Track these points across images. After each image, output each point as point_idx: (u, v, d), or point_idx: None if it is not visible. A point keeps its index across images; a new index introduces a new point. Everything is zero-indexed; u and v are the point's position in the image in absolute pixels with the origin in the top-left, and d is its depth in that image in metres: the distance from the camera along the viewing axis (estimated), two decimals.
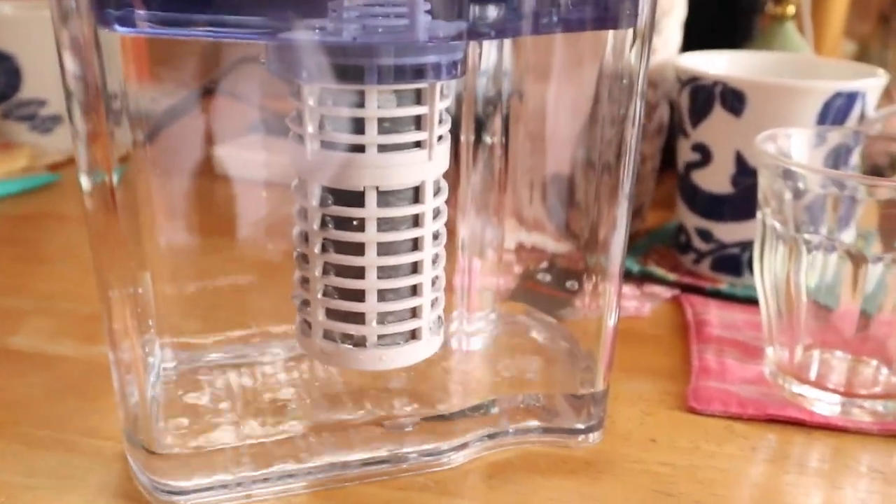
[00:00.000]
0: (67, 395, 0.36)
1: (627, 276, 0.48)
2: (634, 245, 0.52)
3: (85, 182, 0.28)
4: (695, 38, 0.55)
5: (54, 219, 0.59)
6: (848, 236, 0.35)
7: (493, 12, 0.27)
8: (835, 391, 0.36)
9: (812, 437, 0.35)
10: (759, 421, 0.36)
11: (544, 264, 0.40)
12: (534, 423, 0.34)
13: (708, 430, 0.35)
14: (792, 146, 0.39)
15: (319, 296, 0.31)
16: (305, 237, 0.31)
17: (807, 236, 0.35)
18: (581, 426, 0.34)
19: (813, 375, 0.37)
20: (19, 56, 0.69)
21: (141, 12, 0.25)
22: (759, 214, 0.38)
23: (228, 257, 0.40)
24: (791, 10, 0.59)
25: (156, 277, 0.33)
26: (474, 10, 0.27)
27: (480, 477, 0.32)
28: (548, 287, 0.40)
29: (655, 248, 0.53)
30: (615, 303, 0.33)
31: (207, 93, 0.50)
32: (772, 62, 0.52)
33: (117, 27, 0.25)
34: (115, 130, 0.26)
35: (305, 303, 0.32)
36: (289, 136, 0.30)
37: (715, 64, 0.51)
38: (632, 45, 0.30)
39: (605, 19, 0.29)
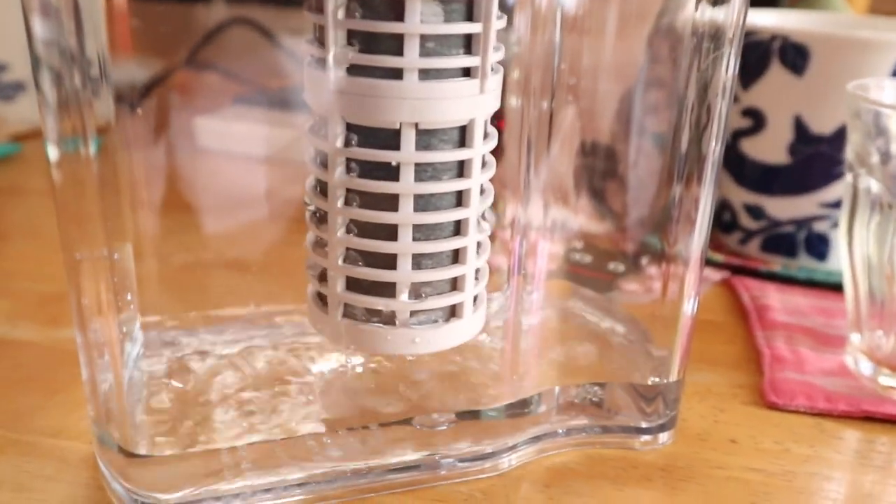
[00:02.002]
0: (26, 386, 0.30)
1: (662, 256, 0.43)
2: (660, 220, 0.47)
3: (53, 152, 0.24)
4: None
5: (14, 193, 0.52)
6: None
7: None
8: None
9: None
10: (851, 418, 0.30)
11: (580, 244, 0.35)
12: (590, 420, 0.28)
13: (794, 429, 0.29)
14: (885, 98, 0.33)
15: (340, 262, 0.25)
16: (321, 188, 0.25)
17: None
18: (648, 425, 0.28)
19: None
20: None
21: None
22: (847, 177, 0.32)
23: (220, 233, 0.35)
24: None
25: (137, 253, 0.27)
26: None
27: (536, 486, 0.26)
28: (588, 269, 0.35)
29: None
30: (695, 288, 0.28)
31: (190, 63, 0.45)
32: (826, 20, 0.47)
33: None
34: (93, 99, 0.23)
35: (321, 272, 0.26)
36: (305, 63, 0.24)
37: (763, 19, 0.46)
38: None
39: None
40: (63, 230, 0.24)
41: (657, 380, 0.28)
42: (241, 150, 0.46)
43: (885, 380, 0.32)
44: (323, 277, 0.26)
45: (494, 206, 0.27)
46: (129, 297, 0.27)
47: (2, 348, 0.33)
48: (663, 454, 0.28)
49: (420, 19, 0.22)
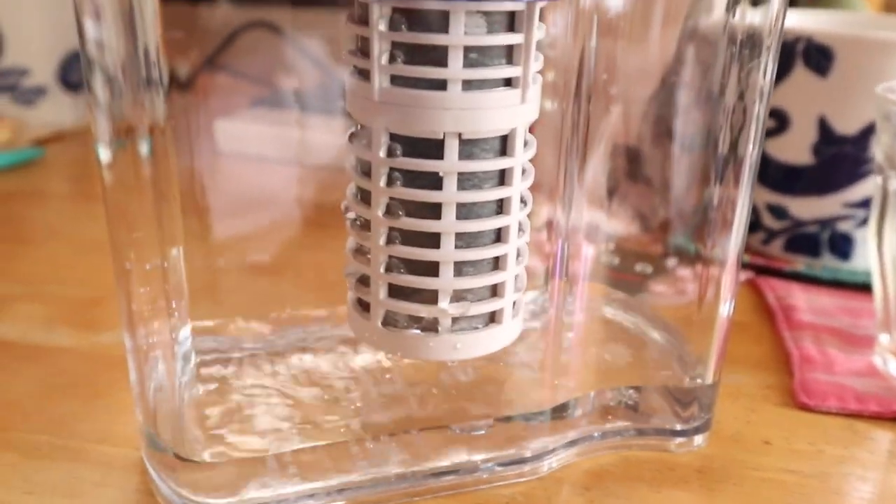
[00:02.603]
0: (68, 392, 0.31)
1: (692, 258, 0.44)
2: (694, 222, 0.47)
3: (104, 153, 0.24)
4: None
5: (39, 197, 0.53)
6: None
7: None
8: None
9: None
10: (883, 419, 0.31)
11: (611, 245, 0.35)
12: (626, 423, 0.29)
13: (827, 430, 0.30)
14: None
15: (382, 270, 0.25)
16: (364, 197, 0.25)
17: None
18: (683, 427, 0.29)
19: None
20: (1, 22, 0.62)
21: None
22: (877, 179, 0.33)
23: (263, 235, 0.35)
24: None
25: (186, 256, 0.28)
26: None
27: (576, 489, 0.26)
28: (616, 271, 0.35)
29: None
30: (731, 291, 0.28)
31: (209, 66, 0.46)
32: (848, 20, 0.47)
33: None
34: (145, 100, 0.23)
35: (362, 279, 0.26)
36: (348, 73, 0.25)
37: (788, 22, 0.46)
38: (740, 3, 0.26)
39: None
40: (113, 232, 0.25)
41: (693, 382, 0.29)
42: (261, 152, 0.46)
43: None
44: (364, 284, 0.26)
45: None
46: (175, 304, 0.27)
47: (41, 355, 0.33)
48: (699, 456, 0.28)
49: (464, 31, 0.23)
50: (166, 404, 0.25)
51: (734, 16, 0.26)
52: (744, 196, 0.28)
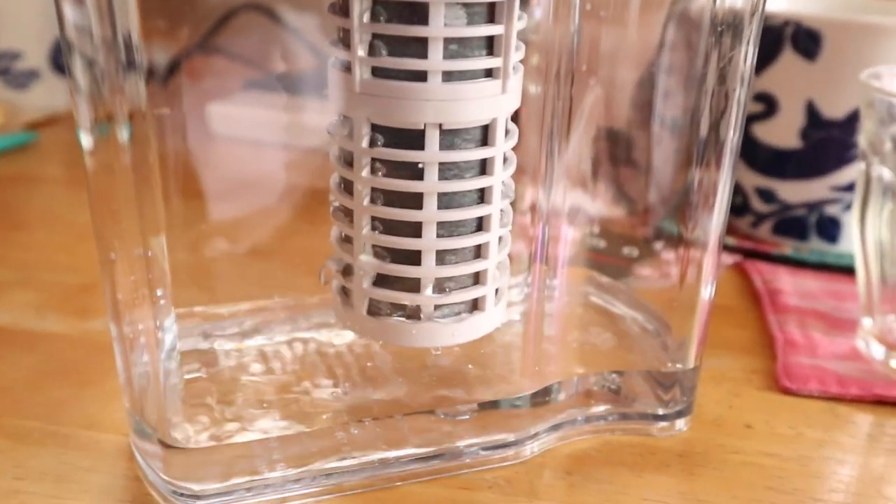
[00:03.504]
0: (59, 378, 0.31)
1: (676, 241, 0.44)
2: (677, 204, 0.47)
3: (86, 140, 0.24)
4: None
5: (33, 182, 0.53)
6: None
7: None
8: None
9: None
10: (863, 402, 0.31)
11: (596, 229, 0.35)
12: (608, 407, 0.29)
13: (808, 414, 0.30)
14: None
15: (365, 258, 0.25)
16: (347, 186, 0.25)
17: None
18: (665, 412, 0.29)
19: None
20: None
21: None
22: (861, 165, 0.33)
23: (246, 222, 0.35)
24: None
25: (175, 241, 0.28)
26: None
27: (557, 473, 0.27)
28: (602, 254, 0.35)
29: None
30: (713, 273, 0.28)
31: (201, 48, 0.45)
32: (837, 3, 0.47)
33: None
34: (124, 85, 0.23)
35: (346, 267, 0.26)
36: (329, 64, 0.25)
37: (775, 3, 0.46)
38: None
39: None
40: (97, 219, 0.25)
41: (674, 367, 0.29)
42: (254, 136, 0.46)
43: None
44: (348, 273, 0.26)
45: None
46: (161, 291, 0.27)
47: (33, 341, 0.34)
48: (680, 440, 0.29)
49: (444, 22, 0.23)
50: (152, 392, 0.25)
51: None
52: (725, 179, 0.28)
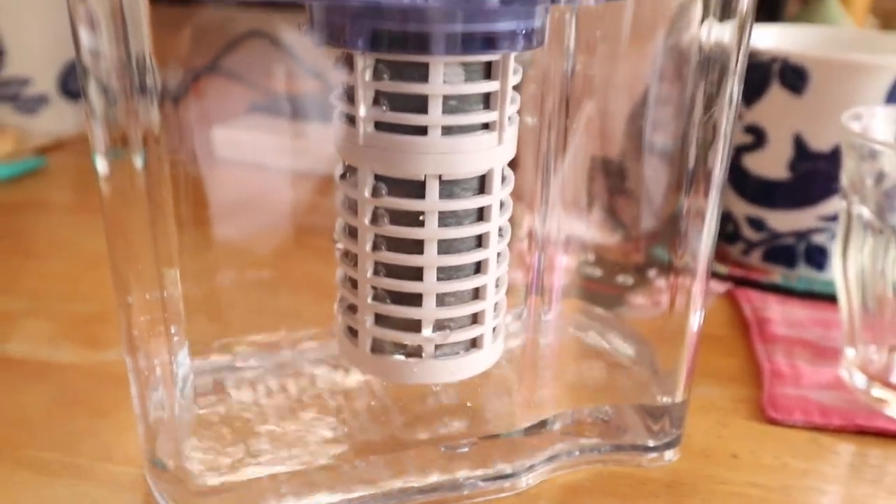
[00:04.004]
0: (74, 409, 0.32)
1: (670, 269, 0.45)
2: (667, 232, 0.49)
3: (101, 164, 0.25)
4: None
5: (42, 208, 0.54)
6: None
7: None
8: None
9: None
10: (846, 432, 0.32)
11: (591, 257, 0.37)
12: (601, 440, 0.30)
13: (792, 444, 0.31)
14: (876, 125, 0.35)
15: (369, 300, 0.27)
16: (351, 232, 0.27)
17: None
18: (655, 443, 0.30)
19: None
20: (1, 32, 0.64)
21: None
22: (843, 203, 0.34)
23: (250, 251, 0.37)
24: None
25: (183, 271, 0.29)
26: None
27: (553, 503, 0.28)
28: (597, 283, 0.37)
29: None
30: (701, 301, 0.30)
31: (208, 71, 0.46)
32: (825, 37, 0.48)
33: None
34: (139, 109, 0.23)
35: (351, 307, 0.28)
36: (334, 116, 0.26)
37: (763, 39, 0.47)
38: (707, 19, 0.27)
39: None
40: (113, 250, 0.26)
41: (663, 400, 0.30)
42: (258, 160, 0.47)
43: (878, 392, 0.34)
44: (352, 311, 0.28)
45: (511, 219, 0.28)
46: (174, 328, 0.29)
47: (47, 371, 0.35)
48: (669, 470, 0.30)
49: (443, 80, 0.24)
50: (166, 426, 0.26)
51: (704, 32, 0.28)
52: (712, 207, 0.29)
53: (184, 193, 0.33)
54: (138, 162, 0.24)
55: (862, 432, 0.32)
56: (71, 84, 0.68)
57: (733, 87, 0.28)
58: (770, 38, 0.48)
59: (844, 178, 0.34)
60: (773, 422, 0.33)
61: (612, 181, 0.35)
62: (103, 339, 0.37)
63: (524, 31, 0.24)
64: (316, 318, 0.33)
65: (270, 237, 0.39)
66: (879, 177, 0.32)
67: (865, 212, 0.32)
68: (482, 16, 0.23)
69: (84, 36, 0.23)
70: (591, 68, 0.31)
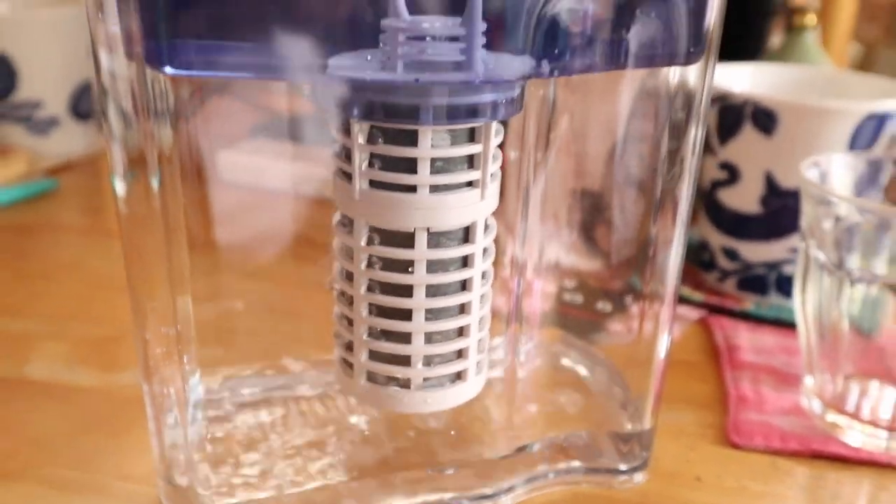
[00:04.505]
0: (93, 430, 0.35)
1: (639, 295, 0.48)
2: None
3: (120, 186, 0.26)
4: None
5: (56, 230, 0.57)
6: (882, 260, 0.34)
7: (557, 49, 0.26)
8: (876, 424, 0.36)
9: (858, 475, 0.34)
10: (803, 456, 0.35)
11: (573, 284, 0.39)
12: (577, 463, 0.33)
13: (752, 467, 0.34)
14: (834, 172, 0.38)
15: (364, 337, 0.29)
16: (348, 275, 0.30)
17: (850, 268, 0.34)
18: (625, 467, 0.33)
19: (853, 407, 0.36)
20: (15, 57, 0.66)
21: (191, 57, 0.23)
22: (801, 245, 0.37)
23: (255, 275, 0.39)
24: (812, 19, 0.58)
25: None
26: (537, 44, 0.26)
27: None
28: (578, 309, 0.40)
29: None
30: (668, 329, 0.32)
31: (218, 93, 0.48)
32: (798, 77, 0.51)
33: (168, 69, 0.23)
34: (155, 131, 0.25)
35: (347, 343, 0.31)
36: (333, 173, 0.29)
37: (739, 78, 0.50)
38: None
39: (670, 57, 0.28)
40: (131, 274, 0.28)
41: (633, 428, 0.33)
42: (262, 183, 0.49)
43: (833, 418, 0.36)
44: (349, 347, 0.30)
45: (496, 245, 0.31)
46: (186, 357, 0.31)
47: (66, 393, 0.38)
48: (638, 492, 0.33)
49: (431, 144, 0.27)
50: (179, 447, 0.29)
51: (671, 74, 0.30)
52: (678, 237, 0.31)
53: (193, 217, 0.35)
54: (154, 183, 0.26)
55: (817, 456, 0.35)
56: (81, 106, 0.71)
57: (698, 126, 0.30)
58: (746, 78, 0.51)
59: (803, 222, 0.37)
60: (736, 446, 0.35)
61: (592, 211, 0.38)
62: (118, 362, 0.40)
63: (504, 101, 0.27)
64: (317, 343, 0.36)
65: (274, 261, 0.41)
66: (834, 223, 0.34)
67: (821, 255, 0.35)
68: (466, 90, 0.26)
69: (104, 58, 0.25)
70: (572, 106, 0.34)
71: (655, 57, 0.28)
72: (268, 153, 0.60)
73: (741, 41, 0.69)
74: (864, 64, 0.83)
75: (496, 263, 0.31)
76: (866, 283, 0.34)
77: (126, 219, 0.27)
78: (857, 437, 0.36)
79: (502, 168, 0.30)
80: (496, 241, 0.30)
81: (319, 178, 0.41)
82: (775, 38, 0.74)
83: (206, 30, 0.23)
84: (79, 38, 0.69)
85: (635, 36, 0.27)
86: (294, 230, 0.41)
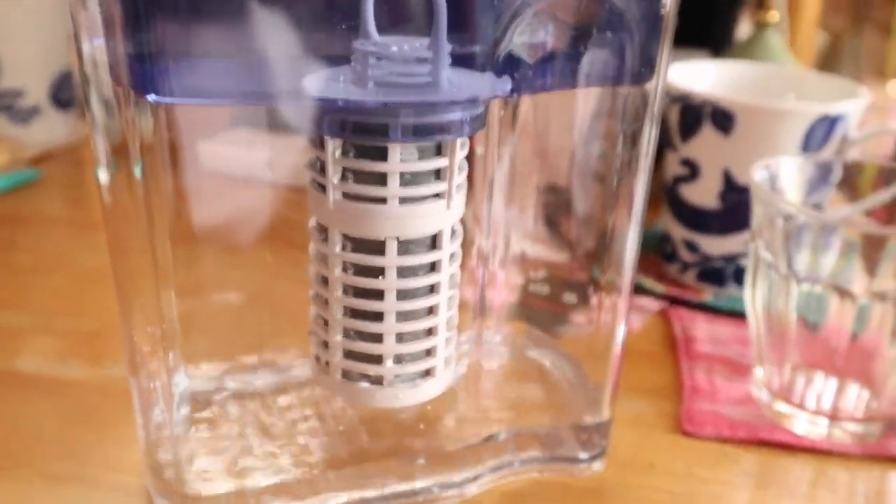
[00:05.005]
0: (83, 423, 0.37)
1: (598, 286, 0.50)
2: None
3: (103, 175, 0.27)
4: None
5: (41, 221, 0.58)
6: (831, 257, 0.37)
7: (517, 73, 0.28)
8: (820, 413, 0.38)
9: (801, 461, 0.37)
10: (750, 444, 0.38)
11: (541, 274, 0.41)
12: (539, 453, 0.35)
13: (701, 455, 0.37)
14: (785, 174, 0.40)
15: (338, 337, 0.31)
16: (323, 279, 0.32)
17: (796, 270, 0.37)
18: (585, 455, 0.35)
19: (799, 397, 0.39)
20: None
21: (177, 85, 0.25)
22: (751, 246, 0.39)
23: (237, 267, 0.40)
24: (774, 16, 0.60)
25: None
26: (499, 66, 0.28)
27: None
28: (544, 301, 0.42)
29: (641, 255, 0.54)
30: (624, 318, 0.34)
31: None
32: (757, 75, 0.53)
33: (152, 97, 0.25)
34: (137, 119, 0.26)
35: (323, 342, 0.32)
36: (308, 181, 0.31)
37: (702, 76, 0.52)
38: None
39: (622, 79, 0.30)
40: (117, 268, 0.29)
41: (591, 419, 0.35)
42: (242, 173, 0.50)
43: (780, 407, 0.39)
44: (324, 345, 0.32)
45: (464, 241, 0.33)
46: (171, 354, 0.33)
47: (56, 387, 0.40)
48: (595, 479, 0.35)
49: (400, 159, 0.29)
50: (165, 439, 0.31)
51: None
52: (634, 227, 0.33)
53: (174, 208, 0.36)
54: (137, 171, 0.27)
55: (764, 444, 0.38)
56: (61, 94, 0.72)
57: (651, 126, 0.32)
58: (709, 76, 0.53)
59: (754, 222, 0.39)
60: (688, 434, 0.38)
61: (556, 204, 0.40)
62: (107, 356, 0.42)
63: (469, 119, 0.29)
64: (296, 337, 0.38)
65: (255, 253, 0.43)
66: (781, 228, 0.37)
67: (769, 255, 0.38)
68: (433, 109, 0.28)
69: (86, 46, 0.25)
70: (534, 106, 0.36)
71: (609, 78, 0.30)
72: (247, 143, 0.61)
73: (708, 30, 0.71)
74: (832, 52, 0.86)
75: (465, 254, 0.33)
76: (811, 283, 0.37)
77: (110, 209, 0.28)
78: (802, 426, 0.38)
79: (469, 159, 0.31)
80: (464, 232, 0.32)
81: (299, 167, 0.42)
82: (745, 27, 0.76)
83: (188, 60, 0.25)
84: (58, 27, 0.70)
85: (589, 61, 0.29)
86: (274, 219, 0.42)
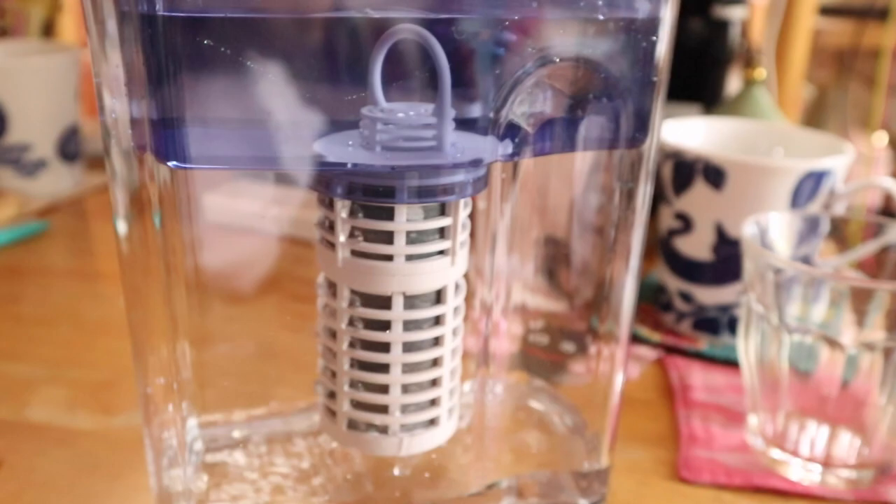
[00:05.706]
0: (95, 473, 0.38)
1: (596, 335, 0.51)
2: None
3: (122, 227, 0.28)
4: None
5: (48, 273, 0.59)
6: (821, 308, 0.38)
7: (517, 139, 0.30)
8: (813, 459, 0.39)
9: None
10: (746, 490, 0.38)
11: (540, 324, 0.43)
12: (540, 500, 0.36)
13: (699, 501, 0.38)
14: (774, 229, 0.42)
15: (346, 388, 0.33)
16: (331, 332, 0.33)
17: (788, 321, 0.38)
18: (585, 502, 0.36)
19: (793, 444, 0.40)
20: (5, 101, 0.69)
21: (196, 152, 0.26)
22: (744, 298, 0.41)
23: (244, 318, 0.41)
24: (761, 73, 0.62)
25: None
26: (500, 133, 0.29)
27: None
28: (543, 350, 0.43)
29: (637, 305, 0.55)
30: (622, 366, 0.35)
31: None
32: (747, 132, 0.55)
33: (173, 163, 0.26)
34: (155, 170, 0.26)
35: (330, 392, 0.34)
36: (317, 239, 0.32)
37: (694, 133, 0.54)
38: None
39: (618, 142, 0.32)
40: (131, 318, 0.29)
41: (591, 467, 0.36)
42: (247, 225, 0.51)
43: (775, 454, 0.40)
44: (332, 396, 0.33)
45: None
46: (185, 404, 0.34)
47: (67, 437, 0.40)
48: None
49: (406, 219, 0.30)
50: (177, 487, 0.32)
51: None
52: (631, 278, 0.35)
53: (187, 259, 0.37)
54: (156, 221, 0.28)
55: (759, 490, 0.38)
56: (68, 148, 0.73)
57: (647, 183, 0.33)
58: (700, 133, 0.54)
59: (745, 276, 0.40)
60: (685, 481, 0.39)
61: (555, 256, 0.41)
62: (115, 406, 0.43)
63: (472, 180, 0.31)
64: (303, 387, 0.39)
65: (261, 303, 0.44)
66: (772, 281, 0.38)
67: (760, 308, 0.39)
68: (437, 173, 0.30)
69: (107, 98, 0.26)
70: (534, 164, 0.37)
71: (605, 141, 0.31)
72: (249, 196, 0.63)
73: (699, 85, 0.73)
74: (818, 104, 0.88)
75: (468, 306, 0.34)
76: (802, 334, 0.38)
77: (127, 259, 0.28)
78: (796, 472, 0.39)
79: (471, 216, 0.33)
80: (468, 284, 0.34)
81: (300, 220, 0.43)
82: (735, 82, 0.79)
83: (207, 128, 0.26)
84: (66, 83, 0.72)
85: (586, 127, 0.30)
86: (279, 271, 0.43)
